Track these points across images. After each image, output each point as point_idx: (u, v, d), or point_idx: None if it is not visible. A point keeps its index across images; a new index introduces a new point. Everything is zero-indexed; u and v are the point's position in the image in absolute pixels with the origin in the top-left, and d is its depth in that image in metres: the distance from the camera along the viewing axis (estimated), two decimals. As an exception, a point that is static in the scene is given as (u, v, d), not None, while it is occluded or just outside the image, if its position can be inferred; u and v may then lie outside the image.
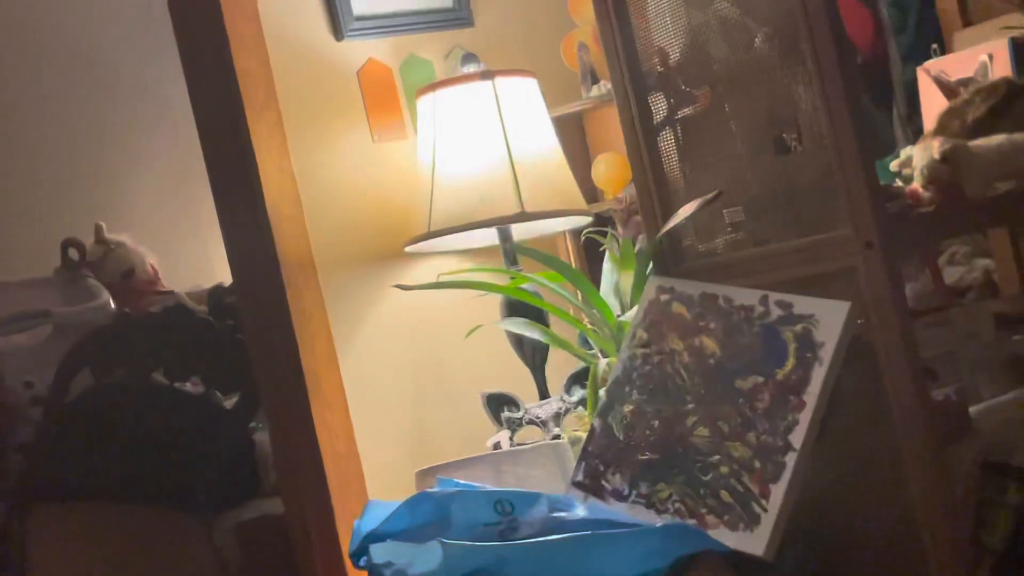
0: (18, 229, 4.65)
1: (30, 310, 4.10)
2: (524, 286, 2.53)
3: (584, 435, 2.12)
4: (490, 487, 2.02)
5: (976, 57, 2.36)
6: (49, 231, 4.42)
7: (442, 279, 2.59)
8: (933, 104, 2.36)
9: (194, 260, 4.82)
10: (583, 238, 2.69)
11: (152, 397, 3.66)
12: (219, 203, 2.77)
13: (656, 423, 1.96)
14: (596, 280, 2.50)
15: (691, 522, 1.85)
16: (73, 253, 4.26)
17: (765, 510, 1.79)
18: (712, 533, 1.82)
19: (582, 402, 2.45)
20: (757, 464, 1.82)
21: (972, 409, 2.09)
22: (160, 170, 4.97)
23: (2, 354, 3.94)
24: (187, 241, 4.88)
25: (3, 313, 4.11)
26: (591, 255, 2.83)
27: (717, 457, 1.87)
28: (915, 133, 2.55)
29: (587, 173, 2.91)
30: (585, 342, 2.46)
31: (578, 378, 2.49)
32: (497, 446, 2.45)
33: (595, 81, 2.86)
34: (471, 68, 2.74)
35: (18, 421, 3.87)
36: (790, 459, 1.79)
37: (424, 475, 2.29)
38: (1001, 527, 1.93)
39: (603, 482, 1.99)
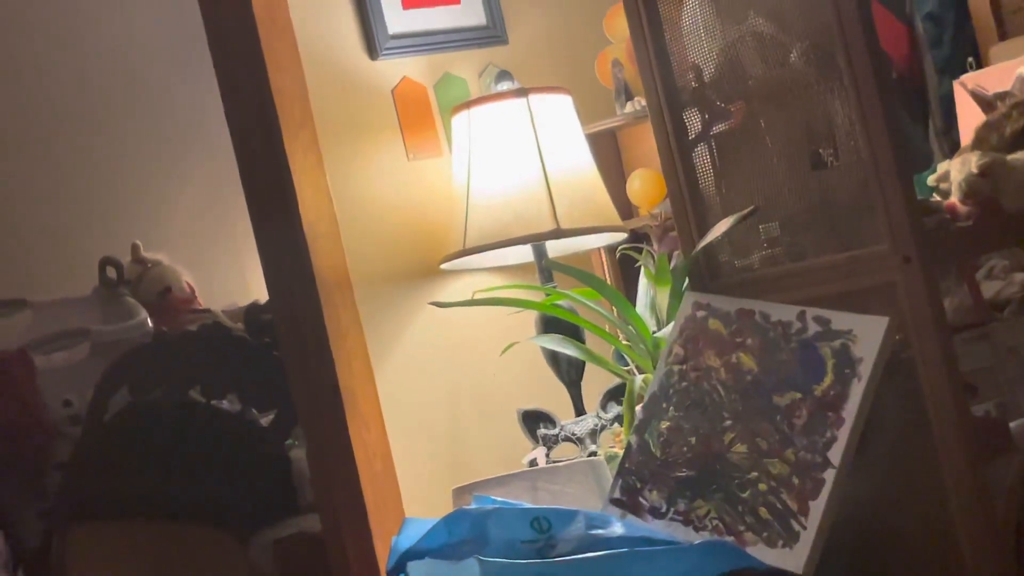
0: (57, 248, 4.69)
1: (69, 329, 4.14)
2: (560, 303, 2.53)
3: (621, 452, 2.11)
4: (527, 504, 2.02)
5: (1013, 70, 2.34)
6: (87, 250, 4.46)
7: (477, 296, 2.59)
8: (970, 118, 2.34)
9: (231, 278, 4.85)
10: (618, 254, 2.69)
11: (189, 415, 3.69)
12: (255, 222, 2.79)
13: (693, 440, 1.96)
14: (632, 296, 2.50)
15: (729, 539, 1.84)
16: (111, 272, 4.30)
17: (804, 527, 1.78)
18: (750, 550, 1.81)
19: (618, 419, 2.45)
20: (796, 481, 1.81)
21: (1012, 424, 2.07)
22: (197, 189, 5.01)
23: (42, 373, 3.98)
24: (224, 259, 4.91)
25: (42, 332, 4.15)
26: (626, 271, 2.82)
27: (755, 474, 1.86)
28: (952, 147, 2.54)
29: (622, 189, 2.91)
30: (621, 358, 2.46)
31: (614, 395, 2.48)
32: (533, 463, 2.45)
33: (629, 98, 2.86)
34: (505, 86, 2.75)
35: (57, 440, 3.90)
36: (829, 476, 1.78)
37: (461, 492, 2.29)
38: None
39: (640, 499, 1.98)
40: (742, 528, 1.84)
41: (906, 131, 2.68)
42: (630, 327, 2.34)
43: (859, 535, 1.88)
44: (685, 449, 1.96)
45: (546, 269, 2.66)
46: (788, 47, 1.98)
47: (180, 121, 4.99)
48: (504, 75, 2.80)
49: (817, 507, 1.78)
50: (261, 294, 3.56)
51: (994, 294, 2.61)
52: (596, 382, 2.60)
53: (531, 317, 2.62)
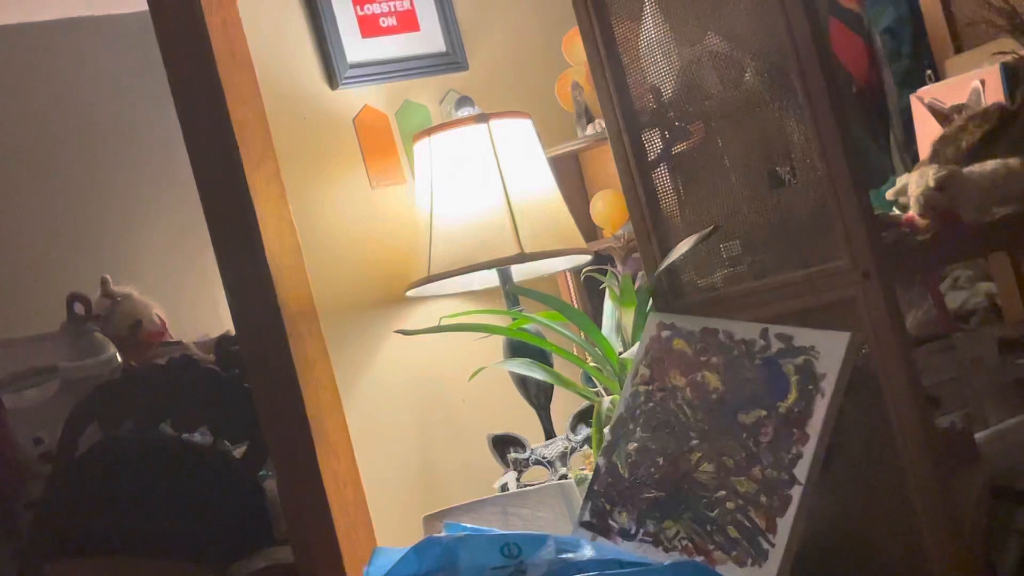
0: (25, 285, 4.67)
1: (37, 366, 4.12)
2: (526, 326, 2.53)
3: (590, 474, 2.11)
4: (497, 530, 2.01)
5: (969, 83, 2.36)
6: (55, 286, 4.44)
7: (444, 322, 2.59)
8: (928, 131, 2.36)
9: (202, 310, 4.84)
10: (583, 276, 2.69)
11: (160, 449, 3.66)
12: (219, 254, 2.78)
13: (661, 460, 1.96)
14: (597, 318, 2.50)
15: (699, 559, 1.84)
16: (79, 308, 4.28)
17: (772, 545, 1.78)
18: (720, 569, 1.81)
19: (588, 441, 2.44)
20: (763, 498, 1.81)
21: (978, 435, 2.08)
22: (165, 222, 5.00)
23: (11, 411, 3.96)
24: (195, 291, 4.89)
25: (11, 370, 4.13)
26: (592, 293, 2.83)
27: (723, 493, 1.86)
28: (913, 160, 2.55)
29: (585, 211, 2.91)
30: (589, 380, 2.45)
31: (583, 417, 2.48)
32: (504, 488, 2.44)
33: (590, 120, 2.86)
34: (466, 111, 2.75)
35: (28, 478, 3.87)
36: (796, 492, 1.78)
37: (431, 520, 2.28)
38: (1013, 553, 1.92)
39: (610, 521, 1.98)
40: (711, 547, 1.84)
41: (863, 146, 2.69)
42: (597, 349, 2.34)
43: (828, 551, 1.88)
44: (653, 470, 1.96)
45: (512, 293, 2.66)
46: (743, 66, 1.99)
47: (147, 154, 4.98)
48: (465, 101, 2.81)
49: (785, 524, 1.78)
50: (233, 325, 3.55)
51: (959, 305, 2.62)
52: (565, 405, 2.60)
53: (498, 342, 2.62)
